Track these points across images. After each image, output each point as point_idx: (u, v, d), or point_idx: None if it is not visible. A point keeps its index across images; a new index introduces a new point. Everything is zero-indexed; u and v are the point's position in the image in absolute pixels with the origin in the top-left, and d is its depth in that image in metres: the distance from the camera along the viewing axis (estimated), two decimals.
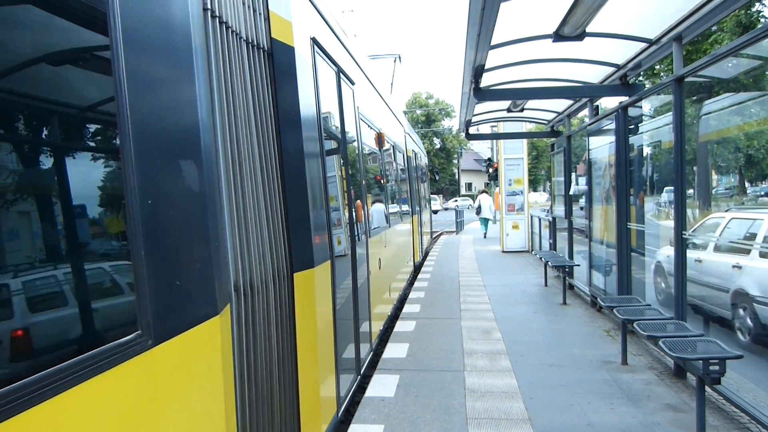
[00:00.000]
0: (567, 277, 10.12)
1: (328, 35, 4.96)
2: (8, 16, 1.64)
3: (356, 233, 5.64)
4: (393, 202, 10.06)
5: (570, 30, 5.97)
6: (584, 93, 9.10)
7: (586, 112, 9.88)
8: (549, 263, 10.78)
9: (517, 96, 9.42)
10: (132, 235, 2.00)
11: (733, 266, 6.09)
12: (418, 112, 66.18)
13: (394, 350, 7.07)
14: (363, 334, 5.91)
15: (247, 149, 3.30)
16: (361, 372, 5.86)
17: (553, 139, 12.86)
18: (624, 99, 7.60)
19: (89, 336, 1.87)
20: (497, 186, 19.77)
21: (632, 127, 7.80)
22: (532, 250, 16.87)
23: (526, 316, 8.83)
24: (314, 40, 4.35)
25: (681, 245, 5.73)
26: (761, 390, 4.65)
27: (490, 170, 22.78)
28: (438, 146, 68.83)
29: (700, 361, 4.26)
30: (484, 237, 23.43)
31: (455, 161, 71.62)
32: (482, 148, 59.56)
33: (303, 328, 3.80)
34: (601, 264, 8.93)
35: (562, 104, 10.64)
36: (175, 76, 2.46)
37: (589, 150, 9.47)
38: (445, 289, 11.45)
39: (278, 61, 3.74)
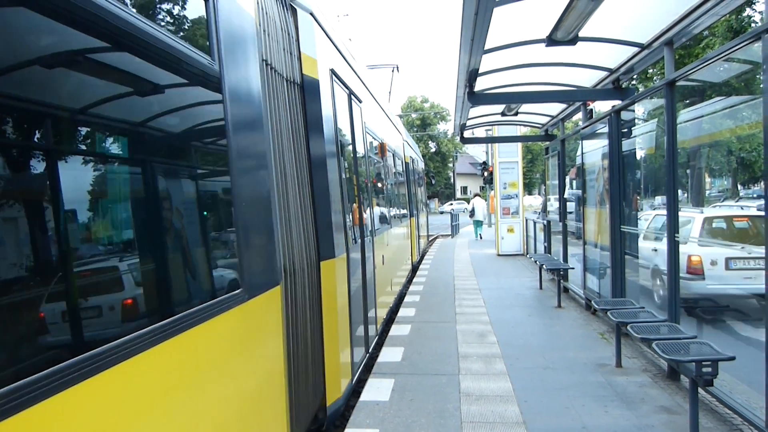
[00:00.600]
0: (561, 280, 10.15)
1: (342, 65, 5.90)
2: (179, 92, 2.63)
3: (364, 233, 6.43)
4: (393, 206, 10.91)
5: (563, 34, 6.00)
6: (577, 97, 9.15)
7: (579, 115, 9.94)
8: (544, 266, 10.81)
9: (511, 100, 9.45)
10: (237, 226, 3.01)
11: (653, 249, 7.92)
12: (414, 115, 66.22)
13: (389, 354, 7.07)
14: (370, 316, 6.76)
15: (288, 163, 4.21)
16: (370, 350, 6.69)
17: (547, 143, 12.91)
18: (617, 103, 7.65)
19: (218, 288, 2.84)
20: (492, 189, 19.84)
21: (625, 130, 7.84)
22: (527, 254, 16.92)
23: (521, 319, 8.85)
24: (332, 71, 5.27)
25: (673, 247, 5.77)
26: (754, 391, 4.67)
27: (485, 174, 22.90)
28: (433, 150, 68.84)
29: (693, 363, 4.29)
30: (478, 239, 24.01)
31: (450, 165, 71.69)
32: (477, 152, 59.68)
33: (327, 305, 4.74)
34: (595, 267, 8.96)
35: (555, 108, 10.68)
36: (252, 112, 3.36)
37: (583, 153, 9.51)
38: (441, 292, 11.46)
39: (307, 91, 4.66)
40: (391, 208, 10.22)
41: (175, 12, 2.60)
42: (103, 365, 1.77)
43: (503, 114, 11.20)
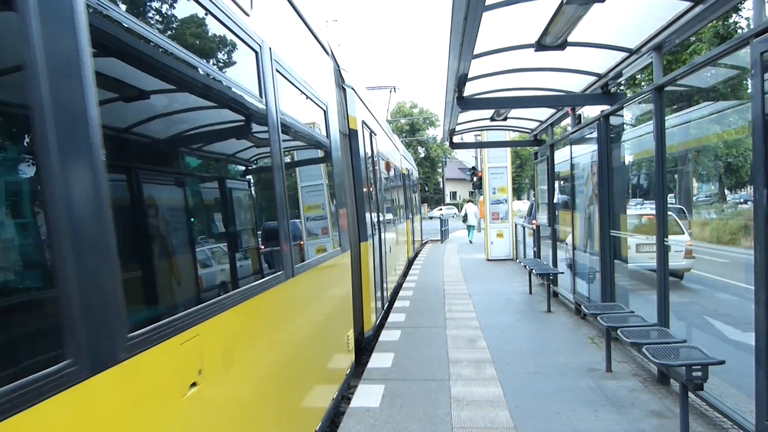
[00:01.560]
0: (551, 285, 10.16)
1: (367, 115, 8.78)
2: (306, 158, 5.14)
3: (380, 228, 9.21)
4: (395, 210, 13.82)
5: (552, 40, 6.02)
6: (566, 102, 9.18)
7: (568, 120, 9.97)
8: (533, 271, 10.82)
9: (500, 105, 9.48)
10: (338, 218, 5.62)
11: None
12: (403, 121, 66.28)
13: (379, 360, 7.04)
14: (384, 283, 9.46)
15: (346, 182, 6.83)
16: (385, 307, 9.61)
17: (536, 148, 12.95)
18: (606, 108, 7.67)
19: (335, 245, 5.48)
20: (482, 194, 19.89)
21: (614, 135, 7.87)
22: (517, 258, 16.94)
23: (510, 324, 8.85)
24: (363, 122, 8.06)
25: (663, 252, 5.78)
26: (743, 395, 4.68)
27: (475, 179, 22.98)
28: (422, 155, 68.95)
29: (683, 368, 4.29)
30: (470, 243, 24.76)
31: (440, 170, 71.84)
32: (466, 157, 59.81)
33: (363, 268, 7.49)
34: (584, 271, 8.97)
35: (544, 113, 10.71)
36: (339, 159, 5.93)
37: (572, 158, 9.54)
38: (431, 298, 11.45)
39: (351, 138, 7.43)
40: (394, 212, 13.31)
41: (317, 125, 5.18)
42: (313, 265, 4.41)
43: (492, 119, 11.23)
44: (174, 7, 2.41)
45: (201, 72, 2.59)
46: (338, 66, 7.05)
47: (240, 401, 2.75)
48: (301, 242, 4.26)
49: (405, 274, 15.48)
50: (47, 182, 1.50)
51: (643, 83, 18.82)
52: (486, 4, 4.61)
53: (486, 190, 18.04)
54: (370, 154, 8.55)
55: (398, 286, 12.99)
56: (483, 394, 5.73)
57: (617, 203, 7.81)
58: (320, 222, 5.23)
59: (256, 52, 3.35)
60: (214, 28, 2.77)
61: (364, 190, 7.57)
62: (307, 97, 4.68)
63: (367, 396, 5.78)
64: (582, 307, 8.14)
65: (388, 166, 11.61)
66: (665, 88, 5.83)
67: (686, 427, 4.40)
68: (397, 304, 10.82)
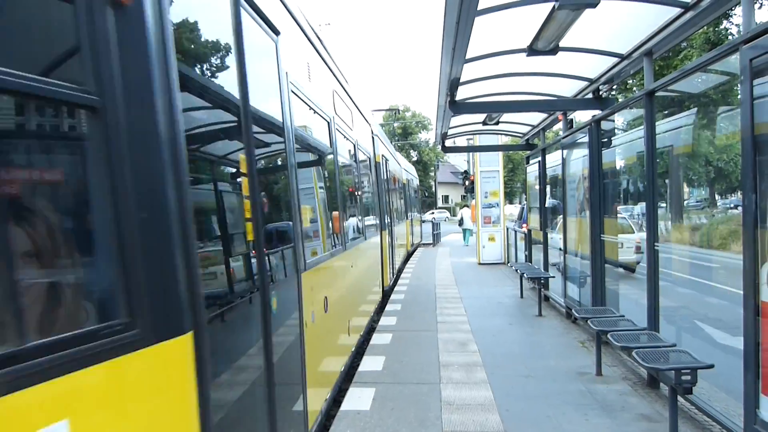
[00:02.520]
0: (542, 289, 10.18)
1: (384, 149, 12.79)
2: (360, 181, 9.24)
3: (391, 223, 13.39)
4: (400, 211, 17.80)
5: (544, 44, 6.04)
6: (558, 106, 9.22)
7: (560, 125, 10.01)
8: (524, 275, 10.84)
9: (492, 109, 9.50)
10: (380, 213, 11.04)
11: (560, 238, 10.42)
12: (395, 124, 66.34)
13: (370, 363, 7.02)
14: (394, 261, 13.56)
15: (375, 194, 10.63)
16: (395, 274, 14.02)
17: (528, 152, 12.99)
18: (597, 112, 7.70)
19: (375, 228, 10.38)
20: (474, 198, 19.94)
21: (605, 140, 7.91)
22: (508, 262, 16.96)
23: (502, 328, 8.86)
24: (383, 155, 11.91)
25: (653, 256, 5.81)
26: (732, 399, 4.70)
27: (467, 183, 23.06)
28: (415, 159, 69.00)
29: (672, 372, 4.31)
30: (466, 245, 25.54)
31: (432, 174, 71.90)
32: (459, 161, 59.91)
33: (383, 248, 11.13)
34: (575, 275, 9.00)
35: (536, 117, 10.76)
36: (374, 179, 10.62)
37: (563, 162, 9.58)
38: (422, 301, 11.45)
39: (377, 167, 10.81)
40: (399, 213, 17.12)
41: (368, 166, 9.87)
42: (370, 236, 9.40)
43: (484, 123, 11.25)
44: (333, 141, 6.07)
45: (343, 158, 6.59)
46: (370, 124, 10.55)
47: (358, 280, 7.41)
48: (368, 223, 8.62)
49: (405, 261, 19.38)
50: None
51: (634, 88, 18.93)
52: (478, 8, 4.62)
53: (478, 194, 18.06)
54: (385, 175, 12.52)
55: (399, 271, 16.41)
56: (474, 397, 5.73)
57: (608, 207, 7.84)
58: (373, 216, 9.88)
59: (354, 144, 7.70)
60: (346, 140, 6.82)
61: (383, 199, 11.58)
62: (364, 154, 9.03)
63: (357, 399, 5.76)
64: (573, 311, 8.17)
65: (395, 180, 16.31)
66: (656, 94, 5.87)
67: (675, 431, 4.42)
68: (388, 307, 10.82)
